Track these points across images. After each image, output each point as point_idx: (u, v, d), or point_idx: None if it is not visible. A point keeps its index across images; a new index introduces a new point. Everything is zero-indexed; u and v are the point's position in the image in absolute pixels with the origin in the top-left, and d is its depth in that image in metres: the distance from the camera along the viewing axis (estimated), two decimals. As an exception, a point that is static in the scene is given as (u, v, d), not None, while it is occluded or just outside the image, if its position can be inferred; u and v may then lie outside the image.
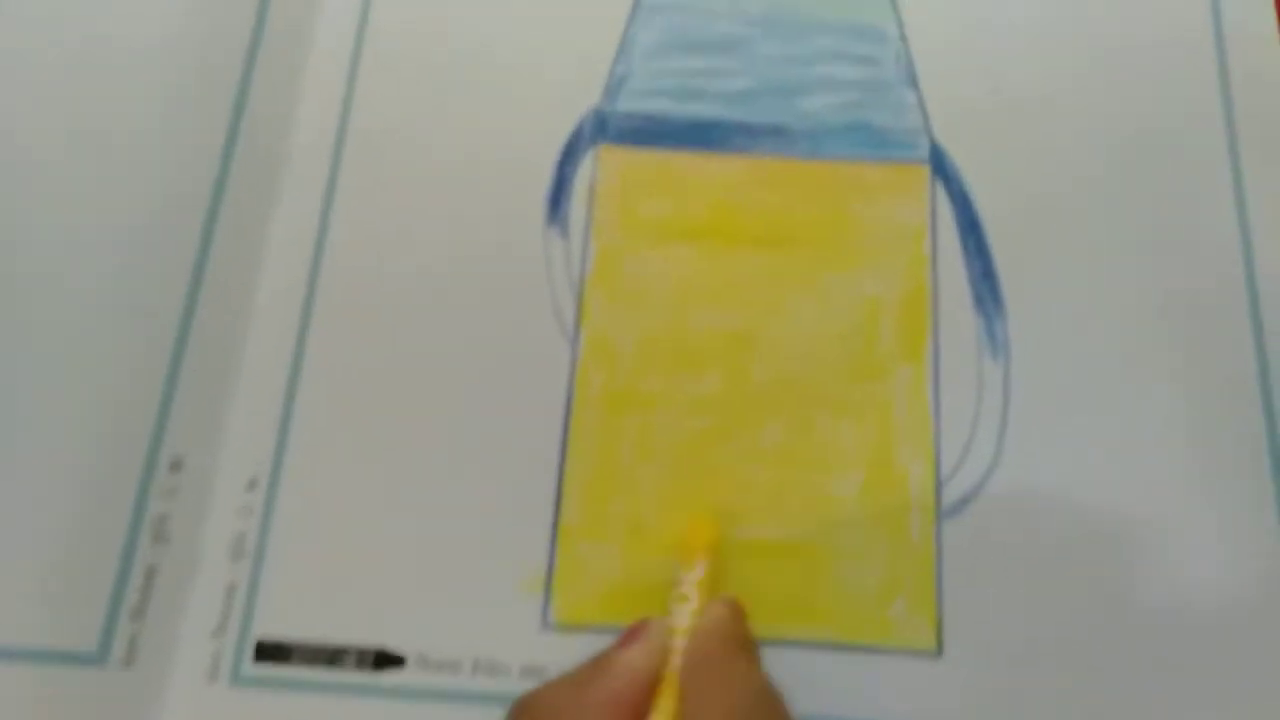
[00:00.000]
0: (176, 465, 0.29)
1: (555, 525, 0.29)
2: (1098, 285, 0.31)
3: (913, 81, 0.34)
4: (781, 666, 0.28)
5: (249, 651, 0.28)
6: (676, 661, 0.25)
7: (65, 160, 0.31)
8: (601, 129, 0.33)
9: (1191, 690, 0.28)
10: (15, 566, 0.27)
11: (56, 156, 0.31)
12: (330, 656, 0.28)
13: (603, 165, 0.32)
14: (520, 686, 0.27)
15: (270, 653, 0.28)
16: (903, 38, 0.34)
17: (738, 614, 0.27)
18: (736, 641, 0.26)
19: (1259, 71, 0.34)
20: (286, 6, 0.34)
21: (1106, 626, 0.28)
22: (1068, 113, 0.33)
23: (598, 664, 0.25)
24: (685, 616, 0.26)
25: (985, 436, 0.30)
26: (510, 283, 0.31)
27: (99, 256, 0.30)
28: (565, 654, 0.28)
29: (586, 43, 0.34)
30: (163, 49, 0.32)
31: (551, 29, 0.34)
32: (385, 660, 0.28)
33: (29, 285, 0.30)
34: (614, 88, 0.33)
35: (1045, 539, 0.29)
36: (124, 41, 0.32)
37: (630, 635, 0.26)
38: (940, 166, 0.33)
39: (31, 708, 0.26)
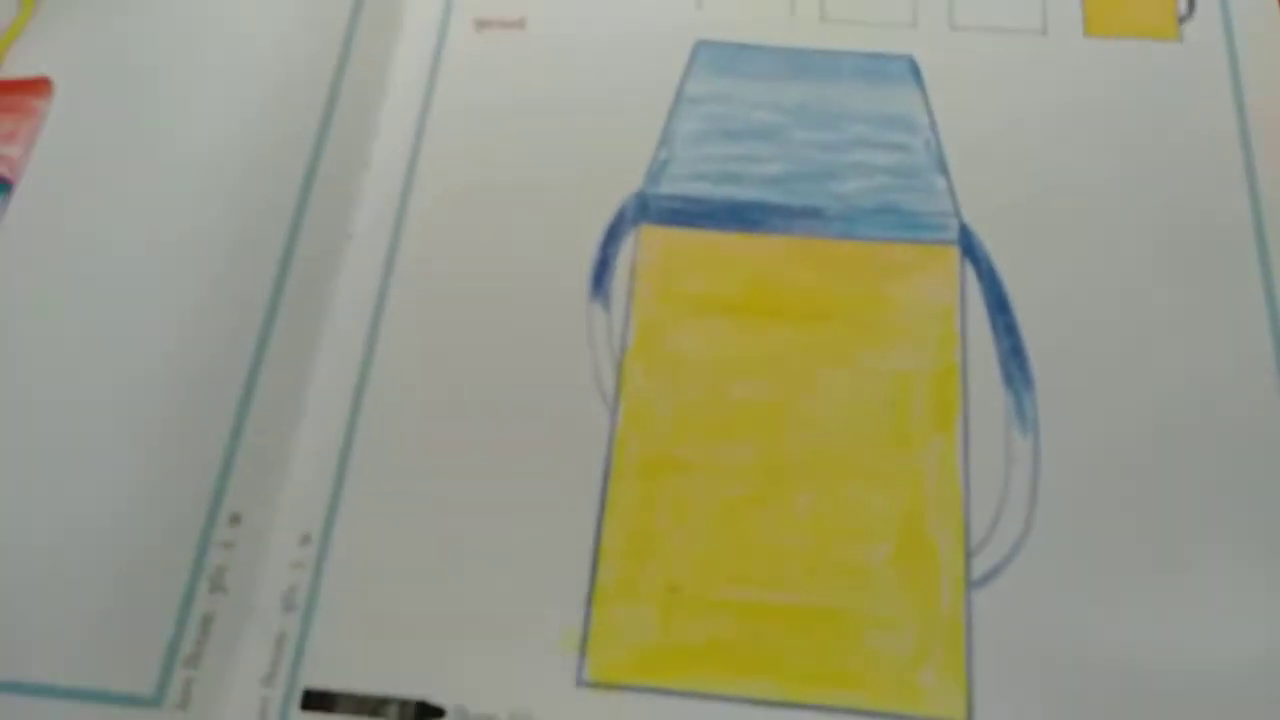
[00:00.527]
0: (235, 520, 0.30)
1: (592, 585, 0.30)
2: (1127, 365, 0.32)
3: (942, 167, 0.35)
4: (812, 732, 0.28)
5: (296, 699, 0.29)
6: None
7: (132, 217, 0.34)
8: (644, 210, 0.35)
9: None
10: (80, 610, 0.29)
11: (124, 213, 0.34)
12: (374, 707, 0.29)
13: (644, 244, 0.34)
14: (554, 742, 0.28)
15: (316, 701, 0.29)
16: (932, 125, 0.36)
17: None
18: None
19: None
20: (352, 100, 0.36)
21: (1135, 699, 0.28)
22: (1095, 198, 0.34)
23: None
24: None
25: (1014, 509, 0.31)
26: (555, 354, 0.33)
27: (172, 324, 0.33)
28: (599, 711, 0.28)
29: (631, 132, 0.36)
30: (226, 151, 0.35)
31: (600, 119, 0.36)
32: (426, 712, 0.29)
33: (105, 347, 0.32)
34: (656, 172, 0.35)
35: (1075, 611, 0.29)
36: (189, 141, 0.35)
37: None
38: (969, 247, 0.34)
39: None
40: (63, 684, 0.28)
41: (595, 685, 0.29)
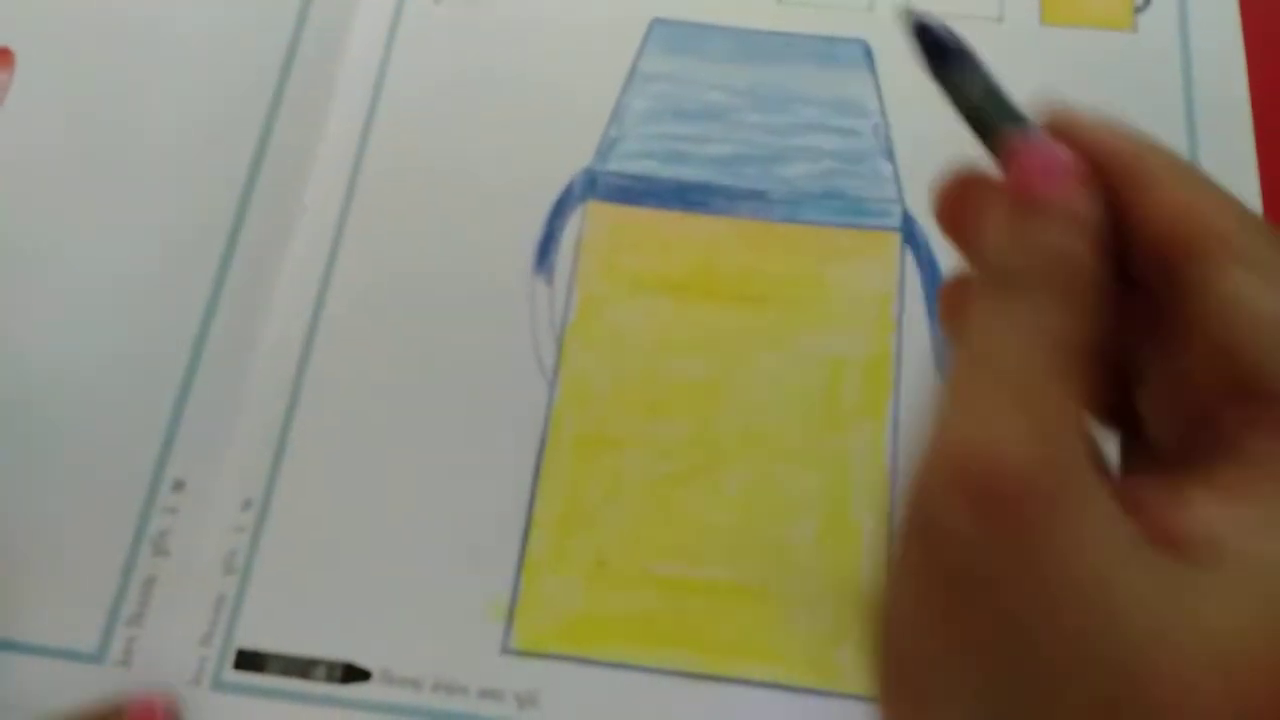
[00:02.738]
0: (179, 486, 0.31)
1: (522, 556, 0.31)
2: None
3: (889, 153, 0.35)
4: (732, 705, 0.29)
5: (230, 659, 0.30)
6: None
7: (88, 185, 0.35)
8: (591, 186, 0.35)
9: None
10: (28, 571, 0.30)
11: (80, 182, 0.35)
12: (302, 668, 0.30)
13: (590, 220, 0.35)
14: (477, 707, 0.29)
15: (249, 661, 0.30)
16: (882, 110, 0.36)
17: None
18: None
19: (1228, 131, 0.35)
20: (307, 71, 0.37)
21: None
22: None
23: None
24: None
25: (941, 493, 0.31)
26: (497, 327, 0.33)
27: (119, 289, 0.33)
28: (522, 678, 0.29)
29: (584, 108, 0.36)
30: (180, 121, 0.36)
31: (554, 95, 0.37)
32: (352, 674, 0.30)
33: (52, 312, 0.33)
34: (605, 149, 0.36)
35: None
36: (145, 111, 0.36)
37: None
38: (911, 235, 0.34)
39: (37, 697, 0.29)
40: (6, 638, 0.30)
41: (520, 653, 0.30)
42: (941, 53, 0.21)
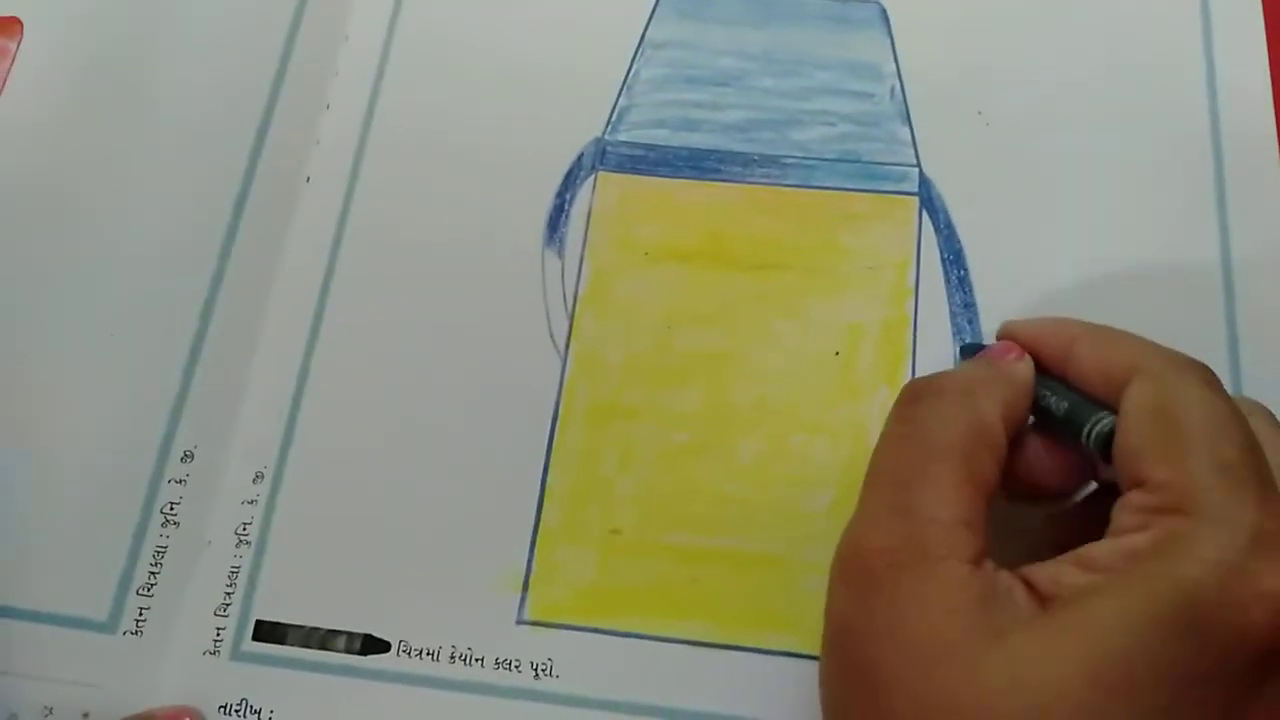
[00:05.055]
0: (188, 456, 0.31)
1: (536, 528, 0.31)
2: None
3: (905, 117, 0.35)
4: (747, 674, 0.29)
5: (249, 630, 0.30)
6: None
7: (95, 155, 0.35)
8: (601, 157, 0.35)
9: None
10: (39, 540, 0.30)
11: (87, 151, 0.35)
12: (322, 639, 0.30)
13: (600, 191, 0.34)
14: (494, 678, 0.29)
15: (267, 632, 0.30)
16: (899, 74, 0.35)
17: None
18: None
19: (1248, 92, 0.34)
20: (312, 41, 0.36)
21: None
22: (1060, 155, 0.34)
23: (992, 368, 0.26)
24: None
25: (958, 462, 0.31)
26: (508, 298, 0.33)
27: (126, 262, 0.33)
28: (538, 649, 0.29)
29: (594, 77, 0.36)
30: (184, 92, 0.35)
31: (563, 65, 0.36)
32: (372, 645, 0.30)
33: (59, 287, 0.33)
34: (616, 119, 0.35)
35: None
36: (151, 82, 0.36)
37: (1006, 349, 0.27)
38: (928, 200, 0.34)
39: (49, 665, 0.29)
40: (17, 606, 0.30)
41: (535, 624, 0.30)
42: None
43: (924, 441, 0.24)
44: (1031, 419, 0.26)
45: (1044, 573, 0.22)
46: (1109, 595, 0.21)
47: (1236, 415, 0.23)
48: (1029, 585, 0.22)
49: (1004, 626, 0.21)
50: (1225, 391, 0.24)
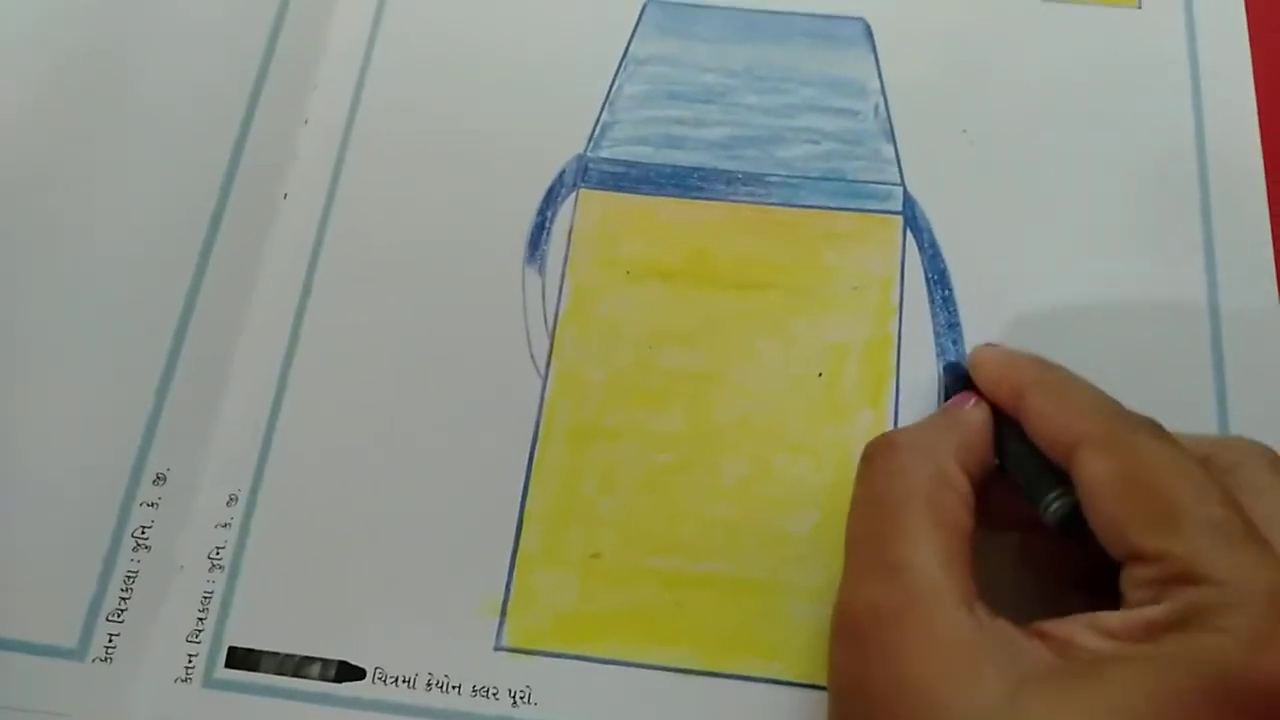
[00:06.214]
0: (160, 479, 0.31)
1: (514, 552, 0.30)
2: (1063, 341, 0.32)
3: (890, 135, 0.35)
4: (731, 701, 0.29)
5: (222, 657, 0.29)
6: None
7: (69, 181, 0.34)
8: (583, 174, 0.34)
9: None
10: (4, 565, 0.30)
11: (63, 159, 0.34)
12: (296, 666, 0.29)
13: (582, 208, 0.34)
14: (471, 705, 0.29)
15: (241, 659, 0.29)
16: (883, 91, 0.35)
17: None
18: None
19: (1233, 112, 0.34)
20: (290, 53, 0.36)
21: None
22: (1044, 172, 0.34)
23: (947, 416, 0.27)
24: None
25: (943, 483, 0.31)
26: (488, 318, 0.33)
27: (99, 279, 0.33)
28: (516, 676, 0.29)
29: (576, 93, 0.35)
30: (160, 102, 0.35)
31: (545, 80, 0.36)
32: (347, 672, 0.29)
33: (30, 303, 0.33)
34: (598, 135, 0.35)
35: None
36: (132, 88, 0.35)
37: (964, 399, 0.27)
38: (913, 219, 0.34)
39: (15, 694, 0.28)
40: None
41: (513, 650, 0.29)
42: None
43: (886, 496, 0.25)
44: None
45: (1058, 630, 0.22)
46: (1135, 665, 0.21)
47: (1198, 464, 0.23)
48: (1040, 640, 0.22)
49: (1013, 681, 0.21)
50: (1175, 439, 0.24)
